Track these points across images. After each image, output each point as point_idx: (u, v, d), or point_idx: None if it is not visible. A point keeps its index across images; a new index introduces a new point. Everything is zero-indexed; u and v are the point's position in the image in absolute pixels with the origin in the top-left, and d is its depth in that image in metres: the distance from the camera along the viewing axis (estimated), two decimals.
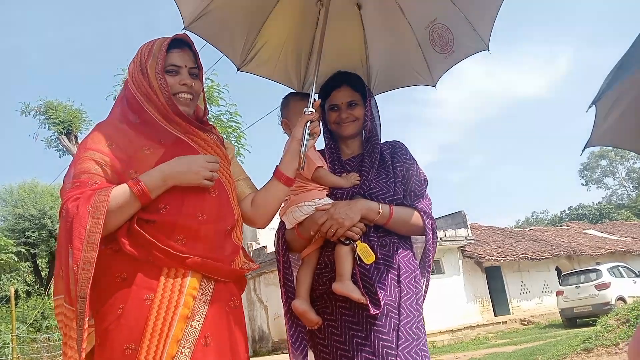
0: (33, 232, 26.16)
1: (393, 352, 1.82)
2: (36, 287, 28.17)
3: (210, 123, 1.93)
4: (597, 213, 43.47)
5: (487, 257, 19.16)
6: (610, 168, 52.27)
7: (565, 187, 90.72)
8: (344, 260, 1.92)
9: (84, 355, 1.44)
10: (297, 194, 1.99)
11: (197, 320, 1.56)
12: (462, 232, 19.19)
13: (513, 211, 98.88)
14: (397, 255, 2.00)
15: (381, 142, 2.17)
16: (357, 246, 1.92)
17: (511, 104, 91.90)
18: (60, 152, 17.42)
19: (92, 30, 78.20)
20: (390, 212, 1.98)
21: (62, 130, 16.75)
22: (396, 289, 1.94)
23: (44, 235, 26.63)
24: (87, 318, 1.45)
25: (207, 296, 1.60)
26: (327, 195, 2.03)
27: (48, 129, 16.95)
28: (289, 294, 2.03)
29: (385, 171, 2.08)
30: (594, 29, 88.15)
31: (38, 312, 20.08)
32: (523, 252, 20.94)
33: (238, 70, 2.37)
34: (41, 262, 29.73)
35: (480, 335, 16.60)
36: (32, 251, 26.78)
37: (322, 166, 2.02)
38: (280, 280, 2.08)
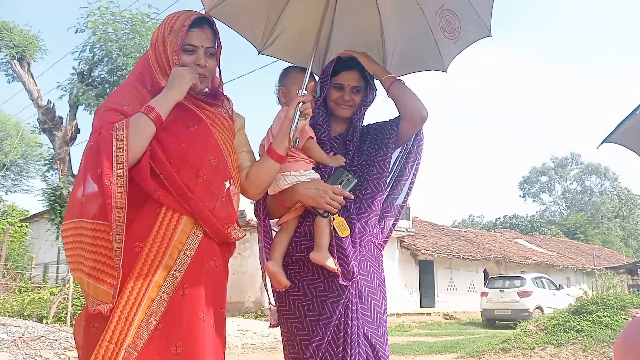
0: None
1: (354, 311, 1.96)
2: None
3: (225, 94, 2.02)
4: (529, 225, 45.64)
5: (422, 251, 19.86)
6: (548, 185, 54.85)
7: (504, 196, 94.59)
8: (322, 231, 2.00)
9: (121, 262, 1.55)
10: (284, 162, 2.04)
11: (179, 271, 1.68)
12: (403, 223, 19.73)
13: (451, 211, 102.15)
14: (366, 219, 2.12)
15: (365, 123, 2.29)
16: (334, 219, 2.00)
17: (471, 106, 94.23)
18: (10, 77, 16.57)
19: None
20: (397, 81, 2.20)
21: (15, 54, 15.92)
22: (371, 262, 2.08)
23: None
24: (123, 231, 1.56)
25: (192, 251, 1.71)
26: (313, 168, 2.09)
27: (0, 51, 16.04)
28: (266, 257, 2.10)
29: (372, 148, 2.20)
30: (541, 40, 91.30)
31: None
32: (456, 250, 21.82)
33: (259, 53, 2.46)
34: None
35: (405, 323, 17.27)
36: None
37: (312, 137, 2.09)
38: (260, 243, 2.14)
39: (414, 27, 2.32)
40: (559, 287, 18.86)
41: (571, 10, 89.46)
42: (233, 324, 11.09)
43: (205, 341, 1.67)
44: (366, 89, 2.23)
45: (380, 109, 2.41)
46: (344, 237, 1.99)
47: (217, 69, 1.93)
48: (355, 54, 2.22)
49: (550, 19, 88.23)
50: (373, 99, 2.25)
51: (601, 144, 2.02)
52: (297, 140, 1.98)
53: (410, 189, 2.28)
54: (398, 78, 2.21)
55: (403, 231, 19.37)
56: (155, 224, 1.67)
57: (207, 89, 1.93)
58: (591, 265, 27.23)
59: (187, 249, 1.70)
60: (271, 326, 2.20)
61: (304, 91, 1.99)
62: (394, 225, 2.28)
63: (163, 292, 1.64)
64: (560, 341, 7.80)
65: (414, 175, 2.28)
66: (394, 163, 2.26)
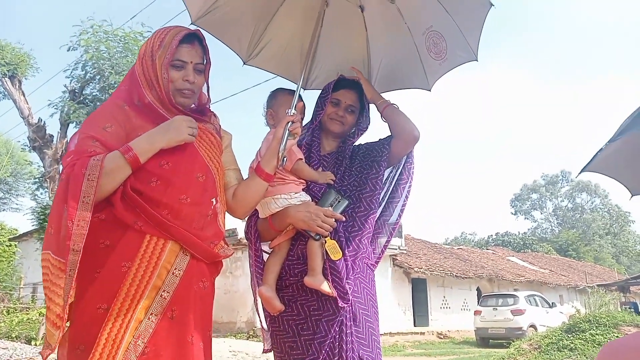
0: None
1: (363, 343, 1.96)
2: None
3: (212, 111, 2.01)
4: (522, 242, 45.74)
5: (415, 269, 19.79)
6: (540, 202, 55.12)
7: (496, 213, 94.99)
8: (315, 255, 1.98)
9: (69, 301, 1.51)
10: (274, 185, 2.03)
11: (167, 292, 1.65)
12: (396, 241, 19.67)
13: (444, 229, 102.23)
14: (360, 254, 2.10)
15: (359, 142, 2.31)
16: (325, 242, 1.99)
17: (462, 124, 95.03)
18: (1, 95, 16.52)
19: None
20: (394, 103, 2.23)
21: (6, 72, 15.89)
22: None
23: None
24: (76, 269, 1.51)
25: (180, 271, 1.69)
26: (303, 190, 2.08)
27: None
28: (258, 281, 2.08)
29: (362, 168, 2.21)
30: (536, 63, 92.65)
31: None
32: (449, 268, 21.76)
33: (244, 64, 2.47)
34: None
35: (399, 342, 17.13)
36: None
37: (301, 159, 2.08)
38: (251, 267, 2.12)
39: (401, 45, 2.36)
40: (552, 305, 18.84)
41: (563, 31, 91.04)
42: (224, 345, 10.93)
43: None
44: (361, 113, 2.27)
45: (371, 129, 2.44)
46: (336, 260, 1.97)
47: (206, 85, 1.92)
48: (359, 76, 2.29)
49: (542, 39, 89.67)
50: (367, 127, 2.29)
51: (580, 173, 2.10)
52: (285, 159, 1.97)
53: (402, 210, 2.29)
54: (392, 103, 2.25)
55: (396, 249, 19.32)
56: (142, 246, 1.65)
57: (194, 105, 1.92)
58: (583, 283, 27.24)
59: (175, 269, 1.68)
60: (265, 352, 2.17)
61: (293, 111, 1.99)
62: (386, 245, 2.28)
63: (151, 314, 1.61)
64: None
65: (406, 196, 2.29)
66: (385, 183, 2.27)
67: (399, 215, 2.28)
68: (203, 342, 1.72)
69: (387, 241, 2.28)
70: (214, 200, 1.81)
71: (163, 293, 1.64)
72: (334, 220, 2.00)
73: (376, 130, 2.34)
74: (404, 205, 2.28)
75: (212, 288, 1.83)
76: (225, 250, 1.85)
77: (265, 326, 2.12)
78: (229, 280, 15.41)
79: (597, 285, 24.43)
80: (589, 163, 2.06)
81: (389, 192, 2.29)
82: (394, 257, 19.50)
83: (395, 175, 2.30)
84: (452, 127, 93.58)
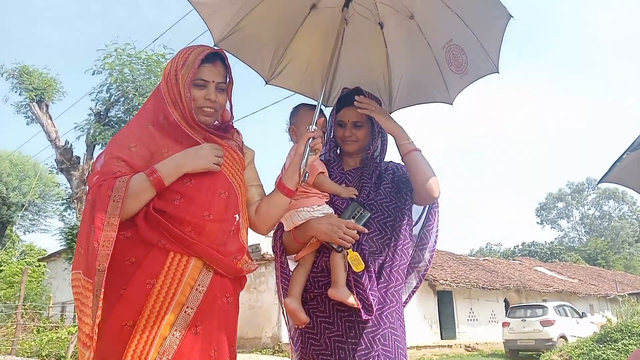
0: None
1: (390, 354, 1.97)
2: None
3: (235, 128, 2.05)
4: (549, 252, 44.85)
5: (440, 281, 19.54)
6: (566, 211, 54.10)
7: (521, 223, 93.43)
8: (338, 267, 2.00)
9: (97, 321, 1.53)
10: (297, 199, 2.06)
11: (191, 308, 1.67)
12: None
13: (469, 240, 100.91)
14: (391, 266, 2.09)
15: (385, 160, 2.31)
16: (347, 254, 2.00)
17: (486, 135, 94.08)
18: (29, 119, 16.98)
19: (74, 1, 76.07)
20: (418, 148, 2.15)
21: (34, 97, 16.35)
22: (396, 299, 2.06)
23: None
24: (102, 290, 1.54)
25: (204, 287, 1.71)
26: (326, 203, 2.11)
27: (19, 94, 16.53)
28: (284, 293, 2.09)
29: (385, 186, 2.19)
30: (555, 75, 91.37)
31: None
32: (475, 280, 21.43)
33: (267, 83, 2.52)
34: None
35: (425, 356, 16.88)
36: None
37: (323, 172, 2.11)
38: (277, 279, 2.14)
39: (421, 60, 2.36)
40: (582, 315, 18.36)
41: (588, 39, 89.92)
42: None
43: None
44: (371, 120, 2.25)
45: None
46: (359, 272, 1.98)
47: (228, 103, 1.96)
48: (373, 114, 2.20)
49: (566, 46, 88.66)
50: (386, 139, 2.28)
51: (598, 183, 2.07)
52: (307, 175, 1.99)
53: (432, 255, 2.26)
54: (417, 148, 2.16)
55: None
56: (166, 263, 1.68)
57: (216, 122, 1.96)
58: (614, 292, 26.56)
59: (199, 285, 1.70)
60: None
61: (314, 127, 2.02)
62: (414, 290, 2.27)
63: (175, 330, 1.63)
64: None
65: (435, 241, 2.27)
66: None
67: (429, 261, 2.25)
68: (229, 357, 1.74)
69: (416, 287, 2.26)
70: (236, 216, 1.83)
71: (187, 309, 1.66)
72: (356, 232, 2.01)
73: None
74: (433, 249, 2.25)
75: (236, 303, 1.85)
76: (248, 265, 1.87)
77: (293, 340, 2.11)
78: (253, 296, 15.45)
79: (629, 294, 23.80)
80: (607, 173, 2.05)
81: (418, 239, 2.25)
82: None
83: (424, 223, 2.26)
84: (476, 137, 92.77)
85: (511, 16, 2.01)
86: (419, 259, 2.23)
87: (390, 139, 2.28)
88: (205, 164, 1.77)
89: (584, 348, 8.44)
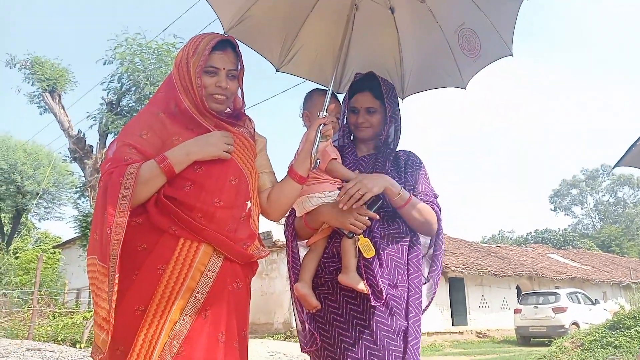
0: (0, 185, 25.61)
1: (398, 347, 1.96)
2: None
3: (247, 115, 2.05)
4: (562, 239, 44.53)
5: (452, 268, 19.51)
6: (580, 198, 53.65)
7: (535, 210, 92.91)
8: (349, 253, 2.00)
9: (113, 305, 1.56)
10: (309, 184, 2.06)
11: (201, 293, 1.69)
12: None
13: (481, 227, 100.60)
14: (407, 256, 2.10)
15: (397, 149, 2.28)
16: (358, 240, 1.99)
17: (499, 120, 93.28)
18: (42, 109, 17.11)
19: None
20: (409, 196, 2.06)
21: (46, 87, 16.46)
22: (405, 288, 2.05)
23: (11, 190, 26.08)
24: (117, 275, 1.57)
25: (214, 273, 1.73)
26: (338, 189, 2.10)
27: (32, 84, 16.65)
28: (295, 278, 2.10)
29: (398, 174, 2.17)
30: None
31: None
32: (487, 267, 21.37)
33: (277, 71, 2.51)
34: (4, 217, 29.11)
35: (437, 342, 16.95)
36: None
37: (335, 158, 2.10)
38: (288, 264, 2.15)
39: (433, 45, 2.34)
40: (595, 302, 18.29)
41: (601, 23, 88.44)
42: (262, 346, 11.06)
43: None
44: (384, 106, 2.22)
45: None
46: (369, 258, 1.98)
47: (240, 90, 1.96)
48: (367, 195, 1.99)
49: (579, 31, 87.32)
50: (400, 124, 2.25)
51: (613, 167, 2.05)
52: (318, 161, 1.99)
53: (438, 278, 2.23)
54: (406, 201, 2.05)
55: None
56: (176, 249, 1.70)
57: (228, 110, 1.96)
58: (628, 279, 26.34)
59: (209, 270, 1.72)
60: (306, 351, 2.14)
61: (325, 113, 2.02)
62: (423, 310, 2.20)
63: (186, 315, 1.65)
64: (597, 358, 7.58)
65: (440, 265, 2.23)
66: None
67: (436, 283, 2.22)
68: (238, 341, 1.75)
69: (423, 310, 2.22)
70: (248, 202, 1.85)
71: (197, 294, 1.68)
72: (367, 218, 2.00)
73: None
74: (439, 273, 2.22)
75: (247, 289, 1.86)
76: (259, 251, 1.88)
77: (299, 326, 2.12)
78: (265, 282, 15.57)
79: None
80: (623, 157, 2.03)
81: (429, 267, 2.21)
82: None
83: (434, 251, 2.21)
84: (488, 122, 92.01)
85: None
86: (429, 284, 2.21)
87: (404, 125, 2.27)
88: (215, 151, 1.78)
89: (596, 335, 8.39)
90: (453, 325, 19.58)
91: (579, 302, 17.65)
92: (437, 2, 2.23)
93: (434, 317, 18.63)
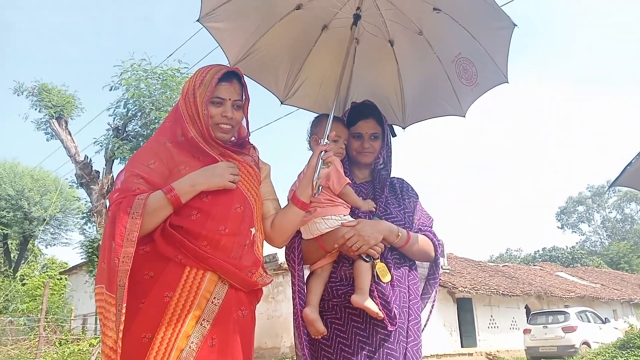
0: (8, 212, 25.75)
1: None
2: (4, 268, 27.60)
3: (251, 143, 2.11)
4: (570, 257, 44.13)
5: (460, 288, 19.35)
6: (587, 215, 53.27)
7: (542, 228, 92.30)
8: (364, 276, 2.01)
9: (120, 335, 1.59)
10: (323, 206, 2.09)
11: (207, 321, 1.72)
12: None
13: (488, 246, 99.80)
14: (408, 281, 2.14)
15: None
16: (376, 264, 2.02)
17: (503, 139, 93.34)
18: (49, 135, 17.29)
19: (87, 16, 77.59)
20: (408, 236, 2.12)
21: (53, 114, 16.64)
22: (405, 313, 2.07)
23: (18, 216, 26.22)
24: (124, 304, 1.60)
25: (219, 300, 1.76)
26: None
27: (39, 111, 16.85)
28: (301, 303, 2.09)
29: (396, 201, 2.25)
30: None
31: (4, 294, 19.69)
32: (495, 286, 21.18)
33: (282, 104, 2.59)
34: (12, 244, 29.19)
35: None
36: (5, 231, 26.29)
37: (349, 183, 2.14)
38: (294, 287, 2.15)
39: (432, 75, 2.41)
40: (605, 321, 18.04)
41: (597, 40, 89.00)
42: None
43: None
44: (383, 135, 2.30)
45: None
46: (384, 283, 2.00)
47: (245, 120, 2.02)
48: (369, 245, 2.04)
49: (578, 48, 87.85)
50: (390, 153, 2.33)
51: (609, 188, 2.06)
52: (320, 188, 2.03)
53: (433, 306, 2.28)
54: (406, 241, 2.12)
55: None
56: (182, 276, 1.73)
57: (233, 139, 2.01)
58: (638, 297, 26.03)
59: (215, 298, 1.74)
60: None
61: (327, 140, 2.07)
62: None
63: (192, 342, 1.67)
64: None
65: (436, 291, 2.29)
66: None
67: (431, 311, 2.28)
68: None
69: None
70: (252, 230, 1.88)
71: (203, 322, 1.71)
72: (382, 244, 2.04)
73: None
74: (434, 301, 2.28)
75: (252, 316, 1.89)
76: (264, 279, 1.91)
77: (300, 350, 2.09)
78: (271, 306, 15.48)
79: None
80: (618, 177, 2.05)
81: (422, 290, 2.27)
82: None
83: (429, 275, 2.29)
84: (493, 141, 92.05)
85: (515, 25, 2.05)
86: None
87: (394, 151, 2.34)
88: (221, 181, 1.83)
89: (606, 355, 8.32)
90: (462, 346, 19.32)
91: (589, 321, 17.41)
92: (434, 33, 2.30)
93: (443, 338, 18.41)
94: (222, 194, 1.84)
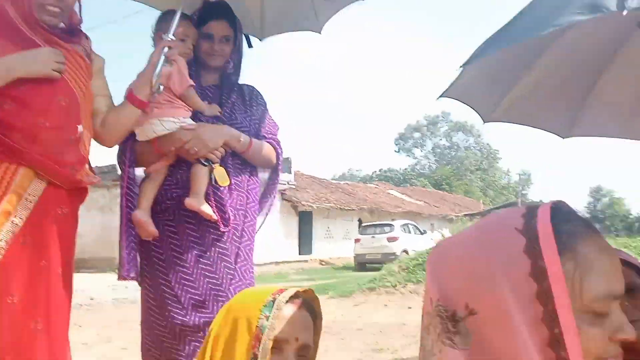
0: None
1: (231, 269, 2.01)
2: None
3: (84, 32, 1.88)
4: (402, 177, 48.68)
5: (302, 202, 20.44)
6: (421, 141, 58.42)
7: (382, 151, 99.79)
8: (200, 179, 1.96)
9: None
10: (162, 108, 1.97)
11: (19, 218, 1.60)
12: (285, 176, 19.99)
13: (333, 165, 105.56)
14: (247, 185, 2.14)
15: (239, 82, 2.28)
16: (214, 168, 1.99)
17: (349, 63, 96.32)
18: None
19: None
20: (250, 142, 2.09)
21: None
22: (242, 215, 2.09)
23: None
24: None
25: (35, 197, 1.64)
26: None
27: None
28: (129, 205, 2.01)
29: (244, 107, 2.18)
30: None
31: None
32: (334, 201, 22.78)
33: None
34: None
35: (283, 270, 17.88)
36: None
37: (193, 86, 2.02)
38: (122, 190, 2.04)
39: None
40: (423, 233, 20.62)
41: None
42: (103, 280, 10.74)
43: (47, 290, 1.63)
44: (235, 37, 2.18)
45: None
46: (222, 187, 1.99)
47: (78, 4, 1.80)
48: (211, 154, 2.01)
49: None
50: (241, 58, 2.24)
51: (438, 98, 2.19)
52: (161, 87, 1.91)
53: (269, 209, 2.27)
54: (248, 146, 2.08)
55: (285, 184, 19.71)
56: None
57: (63, 25, 1.78)
58: (453, 213, 29.91)
59: (29, 194, 1.62)
60: (123, 279, 2.03)
61: (171, 36, 1.92)
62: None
63: (0, 240, 1.56)
64: (419, 279, 8.60)
65: (274, 195, 2.29)
66: None
67: (267, 213, 2.25)
68: (62, 267, 1.69)
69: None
70: (79, 127, 1.73)
71: (14, 219, 1.59)
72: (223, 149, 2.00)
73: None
74: (271, 205, 2.27)
75: (74, 215, 1.79)
76: (89, 178, 1.80)
77: (125, 253, 2.01)
78: (107, 216, 14.81)
79: (464, 214, 26.99)
80: (447, 89, 2.18)
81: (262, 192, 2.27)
82: (282, 192, 19.91)
83: (268, 179, 2.28)
84: (339, 63, 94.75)
85: None
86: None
87: (245, 55, 2.26)
88: (42, 69, 1.64)
89: (419, 259, 9.50)
90: (299, 254, 20.74)
91: (410, 233, 19.79)
92: None
93: (282, 247, 19.50)
94: (44, 84, 1.65)
